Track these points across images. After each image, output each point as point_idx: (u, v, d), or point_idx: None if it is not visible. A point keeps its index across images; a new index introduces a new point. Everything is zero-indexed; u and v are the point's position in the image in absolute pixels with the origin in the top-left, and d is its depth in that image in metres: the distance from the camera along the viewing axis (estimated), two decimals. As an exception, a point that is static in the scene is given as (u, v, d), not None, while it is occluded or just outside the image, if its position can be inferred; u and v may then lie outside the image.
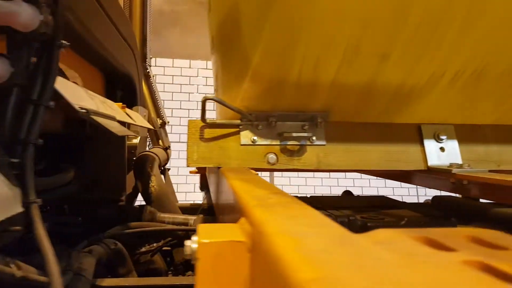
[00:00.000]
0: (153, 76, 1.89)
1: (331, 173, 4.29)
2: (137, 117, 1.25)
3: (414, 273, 0.19)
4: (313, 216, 0.30)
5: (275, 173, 4.06)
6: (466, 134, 0.81)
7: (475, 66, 0.65)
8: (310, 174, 4.14)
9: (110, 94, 1.47)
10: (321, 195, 3.91)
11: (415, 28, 0.58)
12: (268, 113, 0.74)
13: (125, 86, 1.48)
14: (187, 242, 0.27)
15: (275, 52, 0.62)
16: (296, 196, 1.02)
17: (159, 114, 1.83)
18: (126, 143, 1.25)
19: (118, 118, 0.76)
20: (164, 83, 3.80)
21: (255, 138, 0.74)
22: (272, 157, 0.74)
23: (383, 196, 1.11)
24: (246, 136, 0.74)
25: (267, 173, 4.05)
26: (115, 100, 1.49)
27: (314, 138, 0.75)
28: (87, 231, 1.01)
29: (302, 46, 0.60)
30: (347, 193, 1.38)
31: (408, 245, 0.23)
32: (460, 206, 1.00)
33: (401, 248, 0.22)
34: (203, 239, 0.26)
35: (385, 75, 0.66)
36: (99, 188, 1.19)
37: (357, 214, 0.85)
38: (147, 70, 1.86)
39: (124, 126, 0.92)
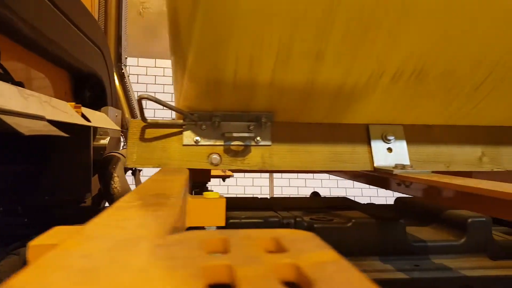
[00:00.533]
0: (128, 76, 1.87)
1: (330, 176, 4.31)
2: (99, 118, 1.24)
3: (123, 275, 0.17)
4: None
5: (275, 175, 4.05)
6: (416, 135, 0.80)
7: (413, 66, 0.65)
8: (310, 175, 4.13)
9: (78, 94, 1.45)
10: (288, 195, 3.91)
11: (345, 28, 0.57)
12: (212, 113, 0.73)
13: (93, 86, 1.47)
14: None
15: (207, 51, 0.61)
16: (257, 197, 1.00)
17: (133, 115, 1.82)
18: (92, 143, 1.23)
19: (60, 119, 0.75)
20: (146, 83, 3.79)
21: (198, 138, 0.73)
22: (215, 157, 0.73)
23: (344, 198, 1.10)
24: (188, 136, 0.73)
25: (267, 175, 4.04)
26: (83, 100, 1.48)
27: (259, 138, 0.74)
28: (42, 232, 0.99)
29: (233, 45, 0.59)
30: (315, 194, 1.37)
31: (190, 248, 0.22)
32: (418, 208, 1.00)
33: (174, 251, 0.21)
34: (34, 242, 0.25)
35: (324, 74, 0.65)
36: (62, 189, 1.17)
37: (307, 215, 0.85)
38: (122, 70, 1.84)
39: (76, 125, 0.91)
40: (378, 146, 0.78)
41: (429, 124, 0.81)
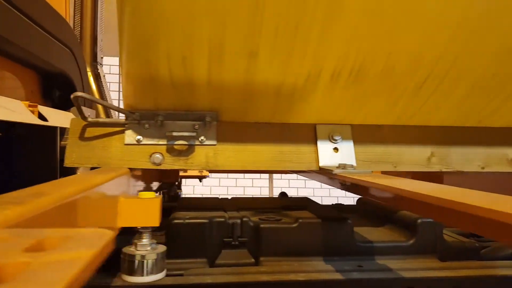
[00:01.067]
0: (104, 76, 1.86)
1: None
2: (64, 117, 1.23)
3: None
4: None
5: (274, 176, 4.03)
6: (365, 135, 0.79)
7: (351, 64, 0.64)
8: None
9: (47, 94, 1.44)
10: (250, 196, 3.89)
11: (275, 26, 0.57)
12: (155, 112, 0.72)
13: (63, 86, 1.46)
14: None
15: (137, 49, 0.60)
16: (217, 197, 0.98)
17: (108, 114, 1.81)
18: (59, 144, 1.22)
19: (5, 118, 0.74)
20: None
21: (140, 137, 0.72)
22: (157, 157, 0.72)
23: (305, 198, 1.10)
24: (130, 136, 0.72)
25: (266, 176, 4.02)
26: (52, 100, 1.47)
27: (203, 138, 0.74)
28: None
29: (163, 44, 0.59)
30: (282, 194, 1.37)
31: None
32: (376, 208, 0.99)
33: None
34: None
35: (261, 74, 0.65)
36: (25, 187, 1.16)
37: (257, 215, 0.84)
38: (98, 70, 1.83)
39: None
40: (324, 146, 0.77)
41: (379, 124, 0.80)
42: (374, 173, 0.70)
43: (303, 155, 0.77)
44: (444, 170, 0.79)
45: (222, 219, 0.76)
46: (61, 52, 1.39)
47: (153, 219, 0.63)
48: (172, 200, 1.42)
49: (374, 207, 1.01)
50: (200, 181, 1.93)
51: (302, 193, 4.13)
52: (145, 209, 0.63)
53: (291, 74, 0.65)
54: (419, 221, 0.80)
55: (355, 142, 0.79)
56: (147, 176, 1.24)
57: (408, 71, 0.66)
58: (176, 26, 0.56)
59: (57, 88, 1.45)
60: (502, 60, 0.65)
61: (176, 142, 0.73)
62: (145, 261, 0.63)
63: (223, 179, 3.99)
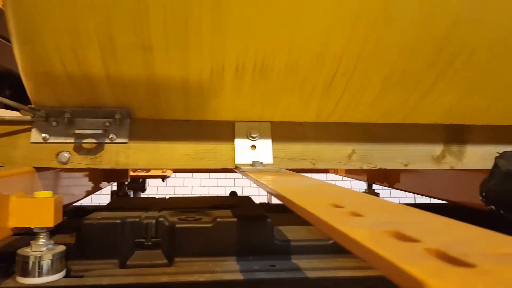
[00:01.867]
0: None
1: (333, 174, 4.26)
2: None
3: None
4: None
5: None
6: (285, 132, 0.78)
7: (252, 59, 0.63)
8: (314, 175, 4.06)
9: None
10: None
11: (163, 19, 0.55)
12: (61, 109, 0.71)
13: (14, 85, 1.43)
14: None
15: (25, 42, 0.58)
16: (150, 197, 0.96)
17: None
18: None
19: None
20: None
21: (46, 135, 0.70)
22: (64, 155, 0.70)
23: (245, 197, 1.08)
24: (36, 133, 0.70)
25: (233, 175, 4.00)
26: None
27: (113, 135, 0.72)
28: None
29: (48, 36, 0.57)
30: (232, 193, 1.35)
31: None
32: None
33: None
34: None
35: (160, 69, 0.63)
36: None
37: (179, 215, 0.82)
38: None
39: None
40: (241, 144, 0.76)
41: (300, 121, 0.79)
42: (290, 170, 0.69)
43: (219, 153, 0.76)
44: (364, 167, 0.78)
45: (136, 220, 0.74)
46: (11, 51, 1.37)
47: (47, 219, 0.61)
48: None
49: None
50: (163, 181, 1.91)
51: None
52: (39, 209, 0.61)
53: (193, 69, 0.64)
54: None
55: (274, 140, 0.77)
56: (92, 176, 1.22)
57: (313, 67, 0.65)
58: (59, 18, 0.55)
59: (8, 88, 1.43)
60: (407, 56, 0.64)
61: (85, 140, 0.71)
62: (39, 262, 0.61)
63: (187, 179, 3.96)
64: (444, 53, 0.64)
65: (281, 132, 0.78)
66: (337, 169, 1.97)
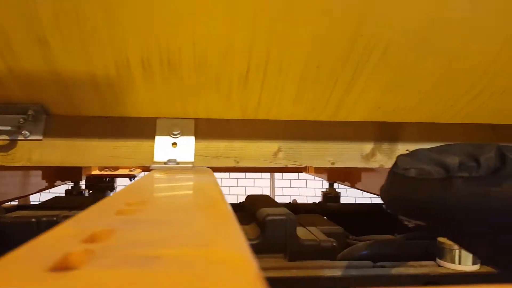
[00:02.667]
0: None
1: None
2: None
3: None
4: None
5: (275, 175, 3.98)
6: (210, 130, 0.76)
7: (157, 54, 0.61)
8: (310, 177, 4.05)
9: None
10: None
11: (54, 13, 0.54)
12: (-29, 105, 0.69)
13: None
14: None
15: None
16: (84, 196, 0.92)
17: None
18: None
19: None
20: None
21: (-45, 132, 0.68)
22: (-26, 152, 0.68)
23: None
24: None
25: (268, 175, 3.99)
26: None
27: (27, 132, 0.70)
28: None
29: None
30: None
31: None
32: (252, 206, 0.96)
33: None
34: None
35: (61, 63, 0.61)
36: None
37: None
38: None
39: None
40: (162, 141, 0.74)
41: (227, 118, 0.77)
42: (209, 168, 0.67)
43: (139, 150, 0.74)
44: (290, 165, 0.77)
45: (53, 218, 0.73)
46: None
47: None
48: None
49: (248, 204, 0.98)
50: (130, 180, 1.89)
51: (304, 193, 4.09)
52: None
53: (97, 63, 0.62)
54: (267, 218, 0.77)
55: (199, 137, 0.76)
56: (45, 175, 1.20)
57: (223, 62, 0.63)
58: None
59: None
60: (319, 51, 0.62)
61: (-5, 137, 0.69)
62: None
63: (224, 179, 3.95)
64: (357, 48, 0.62)
65: (206, 129, 0.76)
66: (308, 167, 1.96)
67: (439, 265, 0.73)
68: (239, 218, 0.89)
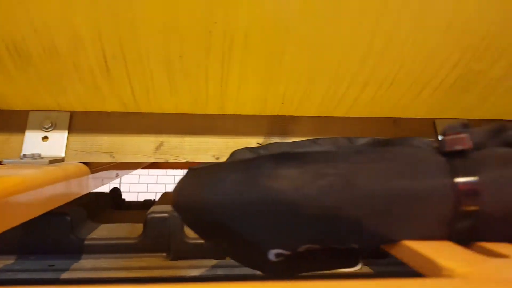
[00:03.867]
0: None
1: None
2: None
3: None
4: None
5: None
6: (88, 123, 0.73)
7: (2, 43, 0.57)
8: None
9: None
10: None
11: None
12: None
13: None
14: None
15: None
16: None
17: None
18: None
19: None
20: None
21: None
22: None
23: (108, 193, 1.03)
24: None
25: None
26: None
27: None
28: None
29: None
30: (113, 190, 1.30)
31: None
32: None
33: None
34: None
35: None
36: None
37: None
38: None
39: None
40: (32, 135, 0.70)
41: (108, 111, 0.74)
42: (79, 163, 0.63)
43: (10, 145, 0.70)
44: (171, 160, 0.73)
45: None
46: None
47: None
48: None
49: (159, 201, 0.94)
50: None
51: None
52: None
53: None
54: (149, 216, 0.74)
55: (74, 131, 0.72)
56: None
57: (74, 50, 0.60)
58: None
59: None
60: (177, 40, 0.59)
61: None
62: None
63: (142, 176, 3.92)
64: (216, 36, 0.59)
65: (83, 123, 0.73)
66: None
67: (321, 265, 0.70)
68: (140, 215, 0.85)
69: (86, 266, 0.67)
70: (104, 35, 0.58)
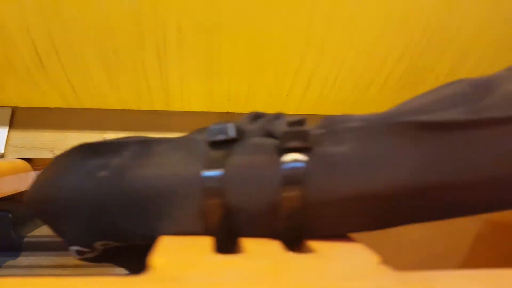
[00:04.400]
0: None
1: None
2: None
3: None
4: None
5: None
6: (31, 119, 0.72)
7: None
8: None
9: None
10: None
11: None
12: None
13: None
14: None
15: None
16: None
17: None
18: None
19: None
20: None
21: None
22: None
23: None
24: None
25: None
26: None
27: None
28: None
29: None
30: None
31: None
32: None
33: None
34: None
35: None
36: None
37: None
38: None
39: None
40: (-29, 131, 0.69)
41: (50, 107, 0.73)
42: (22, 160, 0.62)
43: None
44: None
45: None
46: None
47: None
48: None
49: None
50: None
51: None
52: None
53: None
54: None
55: (16, 127, 0.71)
56: None
57: (5, 44, 0.59)
58: None
59: None
60: (103, 33, 0.58)
61: None
62: None
63: None
64: (147, 29, 0.58)
65: (26, 119, 0.72)
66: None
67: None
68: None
69: (23, 263, 0.66)
70: (34, 30, 0.57)
